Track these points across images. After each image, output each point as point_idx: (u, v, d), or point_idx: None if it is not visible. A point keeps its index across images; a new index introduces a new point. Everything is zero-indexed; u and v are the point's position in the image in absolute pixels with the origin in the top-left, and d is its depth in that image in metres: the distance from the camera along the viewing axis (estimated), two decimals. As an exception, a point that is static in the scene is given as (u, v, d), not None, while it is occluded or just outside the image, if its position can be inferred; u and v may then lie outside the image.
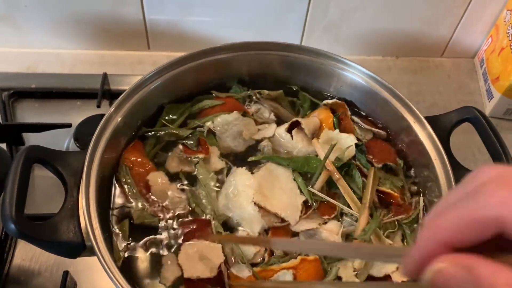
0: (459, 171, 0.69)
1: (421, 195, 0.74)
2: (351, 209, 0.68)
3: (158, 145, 0.76)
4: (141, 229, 0.69)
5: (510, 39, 0.98)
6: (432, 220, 0.31)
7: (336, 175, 0.70)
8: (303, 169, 0.72)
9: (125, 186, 0.70)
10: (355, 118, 0.80)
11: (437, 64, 1.14)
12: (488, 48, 1.08)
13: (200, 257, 0.64)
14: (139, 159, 0.72)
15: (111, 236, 0.66)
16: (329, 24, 1.05)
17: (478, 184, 0.30)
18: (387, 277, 0.66)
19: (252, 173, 0.72)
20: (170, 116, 0.78)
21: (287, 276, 0.63)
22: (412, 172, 0.78)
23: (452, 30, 1.09)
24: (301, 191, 0.71)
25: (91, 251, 0.60)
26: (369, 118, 0.82)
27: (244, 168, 0.72)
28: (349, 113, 0.80)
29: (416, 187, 0.76)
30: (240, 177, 0.71)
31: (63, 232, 0.59)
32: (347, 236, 0.68)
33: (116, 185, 0.71)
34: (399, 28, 1.08)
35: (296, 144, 0.75)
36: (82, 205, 0.61)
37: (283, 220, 0.68)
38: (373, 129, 0.80)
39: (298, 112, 0.82)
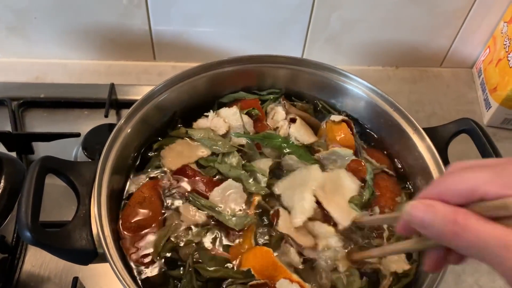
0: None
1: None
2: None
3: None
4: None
5: (507, 50, 1.00)
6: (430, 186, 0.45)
7: None
8: (264, 142, 0.79)
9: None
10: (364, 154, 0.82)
11: (436, 74, 1.17)
12: (486, 59, 1.10)
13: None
14: (152, 198, 0.72)
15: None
16: (331, 35, 1.08)
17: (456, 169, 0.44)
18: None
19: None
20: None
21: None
22: (409, 183, 0.80)
23: (451, 41, 1.12)
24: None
25: (102, 258, 0.62)
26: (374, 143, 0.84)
27: (317, 165, 0.76)
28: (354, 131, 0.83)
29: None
30: (312, 171, 0.75)
31: (76, 239, 0.61)
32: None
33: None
34: (399, 39, 1.11)
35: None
36: (94, 213, 0.63)
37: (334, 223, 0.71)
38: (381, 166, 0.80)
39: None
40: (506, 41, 1.01)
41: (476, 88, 1.14)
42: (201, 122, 0.82)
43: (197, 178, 0.75)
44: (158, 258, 0.67)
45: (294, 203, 0.72)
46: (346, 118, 0.83)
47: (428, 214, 0.42)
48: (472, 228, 0.40)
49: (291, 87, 0.86)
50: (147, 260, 0.67)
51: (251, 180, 0.75)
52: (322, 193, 0.72)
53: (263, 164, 0.77)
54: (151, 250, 0.68)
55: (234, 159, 0.77)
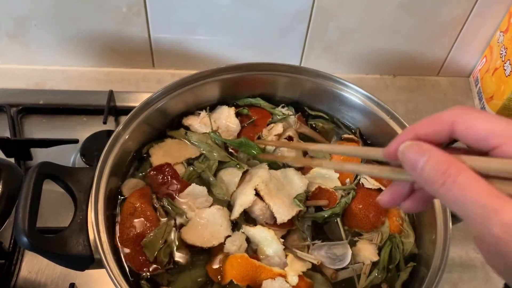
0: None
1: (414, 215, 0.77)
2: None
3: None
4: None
5: (503, 60, 1.01)
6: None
7: None
8: (240, 148, 0.80)
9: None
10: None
11: (434, 83, 1.17)
12: (483, 68, 1.11)
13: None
14: (143, 206, 0.71)
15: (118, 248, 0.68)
16: (329, 44, 1.09)
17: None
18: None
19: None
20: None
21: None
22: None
23: (448, 50, 1.12)
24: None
25: (99, 264, 0.62)
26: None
27: (266, 164, 0.77)
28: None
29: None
30: (259, 169, 0.76)
31: (73, 245, 0.61)
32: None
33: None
34: (397, 48, 1.11)
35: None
36: (91, 219, 0.63)
37: (274, 223, 0.72)
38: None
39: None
40: (502, 51, 1.02)
41: (473, 97, 1.14)
42: (191, 119, 0.83)
43: (173, 179, 0.75)
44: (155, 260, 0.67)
45: (237, 198, 0.73)
46: (356, 138, 0.84)
47: (422, 158, 0.40)
48: (462, 184, 0.38)
49: (289, 96, 0.87)
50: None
51: (219, 186, 0.76)
52: (265, 188, 0.73)
53: (233, 175, 0.78)
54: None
55: (214, 164, 0.78)
